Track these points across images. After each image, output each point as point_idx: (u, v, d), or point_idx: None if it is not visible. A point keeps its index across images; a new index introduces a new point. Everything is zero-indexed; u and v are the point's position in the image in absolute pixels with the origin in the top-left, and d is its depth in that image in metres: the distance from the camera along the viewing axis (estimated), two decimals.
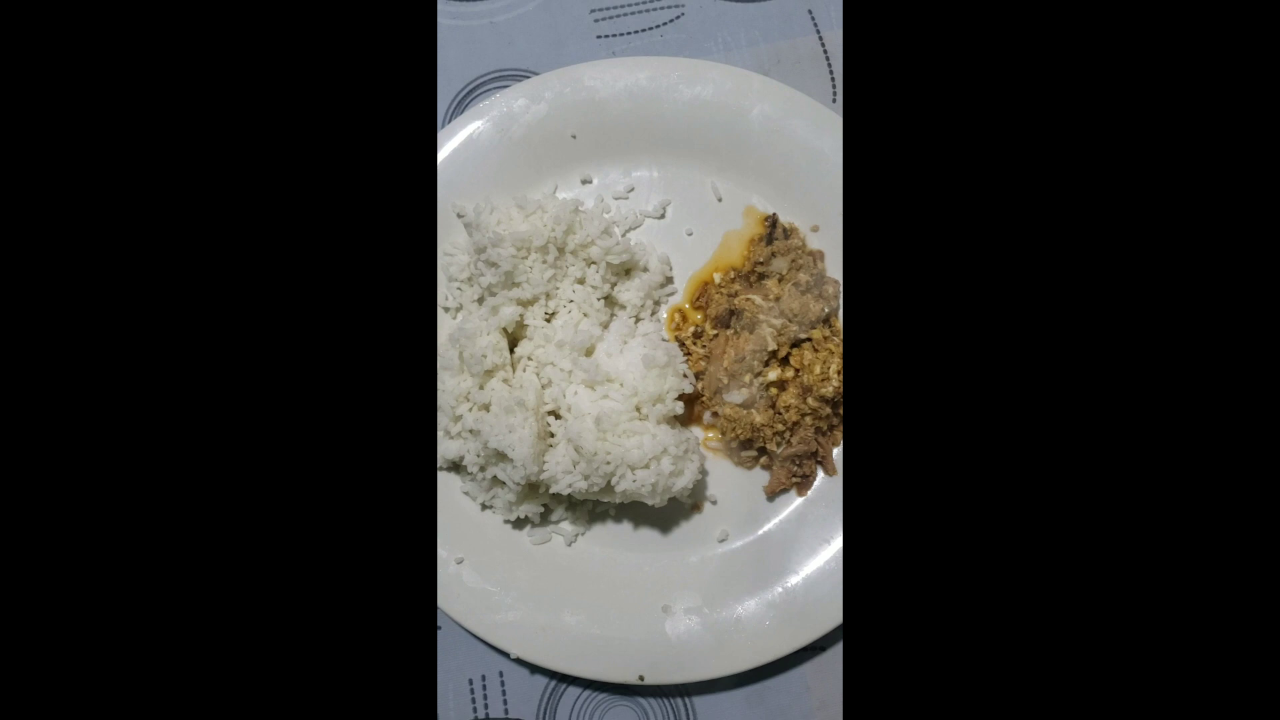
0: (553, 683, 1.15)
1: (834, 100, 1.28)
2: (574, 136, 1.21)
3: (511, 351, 1.12)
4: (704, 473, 1.14)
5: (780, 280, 1.15)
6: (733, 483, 1.16)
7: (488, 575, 1.12)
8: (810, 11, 1.31)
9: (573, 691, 1.15)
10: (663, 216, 1.22)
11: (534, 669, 1.14)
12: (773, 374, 1.09)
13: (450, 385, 1.09)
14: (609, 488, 1.05)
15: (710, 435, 1.17)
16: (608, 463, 1.02)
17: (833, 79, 1.29)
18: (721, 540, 1.14)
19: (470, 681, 1.16)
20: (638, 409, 1.06)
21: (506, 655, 1.12)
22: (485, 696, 1.15)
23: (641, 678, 1.07)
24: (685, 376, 1.10)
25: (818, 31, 1.30)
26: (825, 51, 1.29)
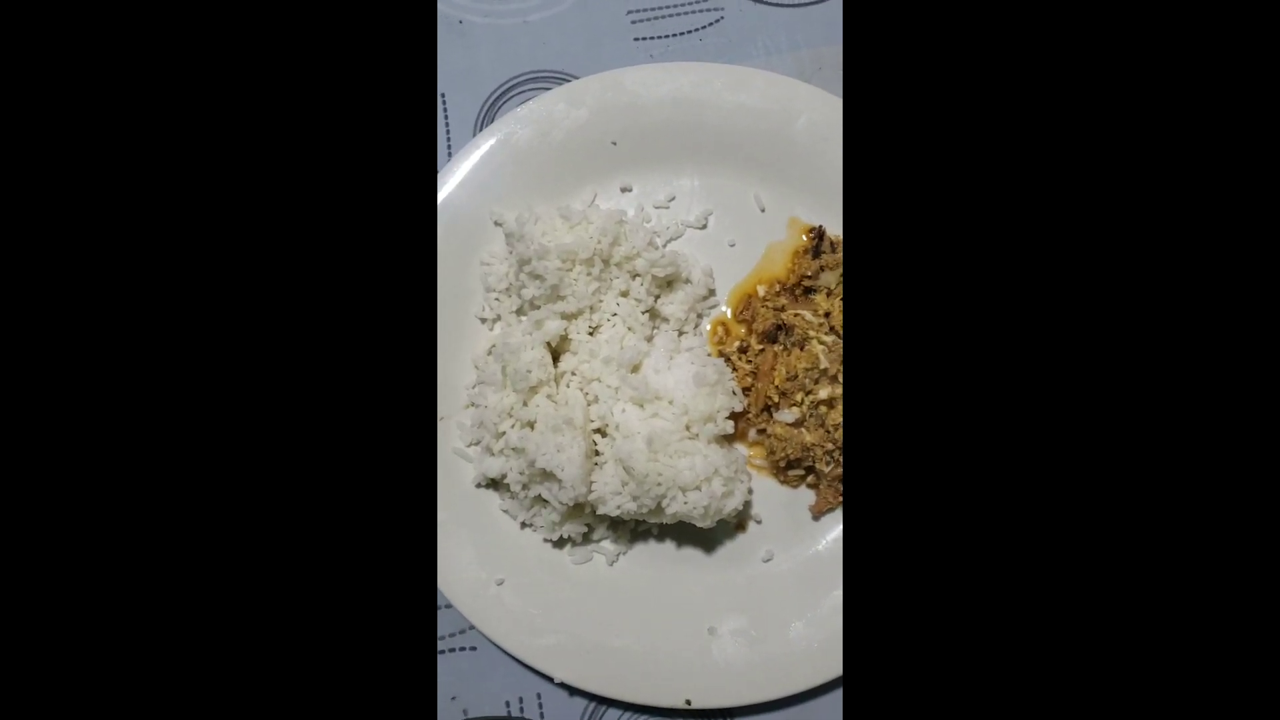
0: (592, 704, 1.12)
1: None
2: (615, 143, 1.17)
3: (554, 365, 1.09)
4: (750, 492, 1.12)
5: (829, 295, 1.12)
6: (776, 501, 1.14)
7: (528, 597, 1.09)
8: None
9: (613, 713, 1.12)
10: (704, 227, 1.19)
11: (573, 691, 1.12)
12: (824, 392, 1.07)
13: (494, 401, 1.06)
14: (659, 509, 1.02)
15: (754, 453, 1.14)
16: (659, 484, 1.00)
17: None
18: (766, 560, 1.12)
19: (507, 704, 1.13)
20: (688, 428, 1.03)
21: (548, 678, 1.09)
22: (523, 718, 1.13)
23: (689, 702, 1.05)
24: (735, 394, 1.07)
25: None
26: None
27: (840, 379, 1.09)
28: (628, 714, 1.12)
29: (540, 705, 1.13)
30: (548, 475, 1.02)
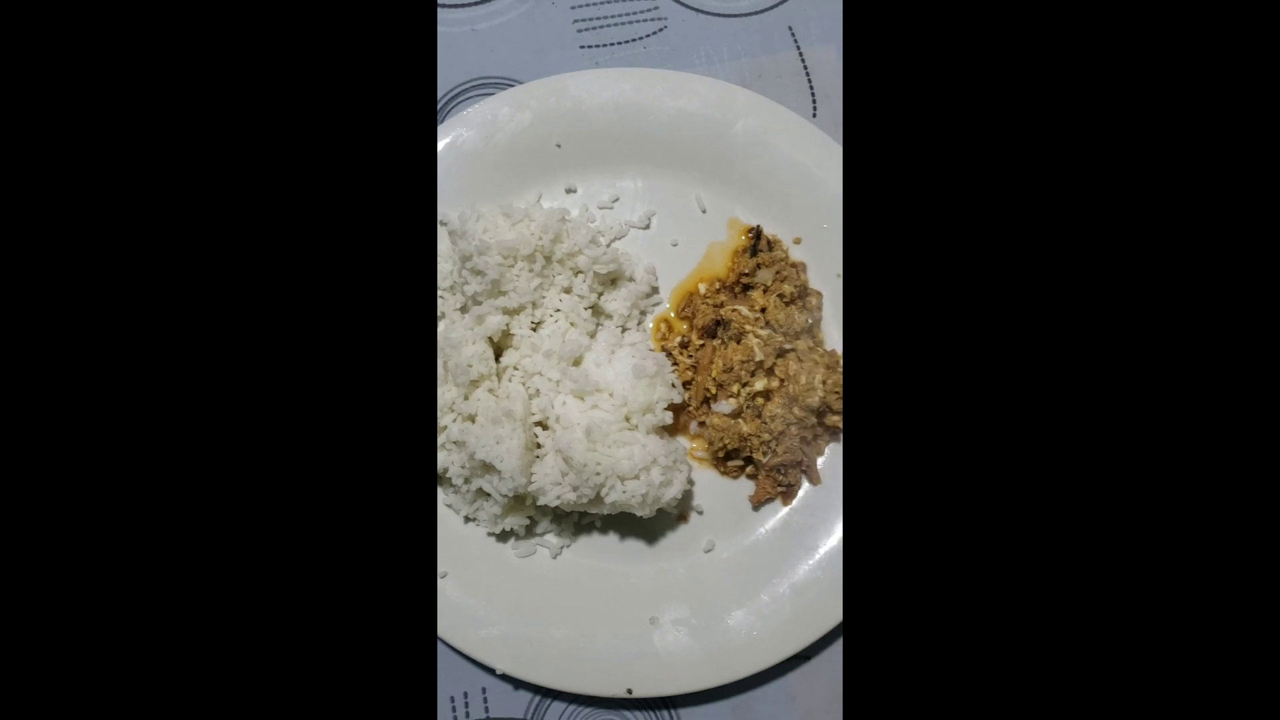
0: (537, 698, 1.13)
1: (814, 115, 1.30)
2: (559, 146, 1.21)
3: (497, 361, 1.11)
4: (691, 483, 1.14)
5: (765, 291, 1.16)
6: (718, 492, 1.16)
7: (472, 590, 1.10)
8: (790, 28, 1.33)
9: (558, 706, 1.13)
10: (648, 227, 1.22)
11: (519, 684, 1.12)
12: (760, 384, 1.10)
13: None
14: (598, 499, 1.04)
15: (695, 445, 1.17)
16: (598, 474, 1.01)
17: (813, 94, 1.31)
18: (708, 550, 1.14)
19: (452, 699, 1.13)
20: (627, 419, 1.05)
21: (491, 671, 1.10)
22: (468, 713, 1.13)
23: (630, 691, 1.07)
24: (674, 386, 1.10)
25: (798, 47, 1.32)
26: (805, 67, 1.32)
27: (776, 371, 1.12)
28: (572, 707, 1.13)
29: (485, 701, 1.13)
30: (488, 467, 1.03)
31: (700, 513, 1.15)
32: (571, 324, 1.12)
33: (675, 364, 1.16)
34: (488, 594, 1.10)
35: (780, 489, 1.14)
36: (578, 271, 1.13)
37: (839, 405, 1.11)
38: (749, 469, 1.15)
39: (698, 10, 1.33)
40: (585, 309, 1.13)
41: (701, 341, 1.17)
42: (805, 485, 1.15)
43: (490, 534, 1.13)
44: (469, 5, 1.32)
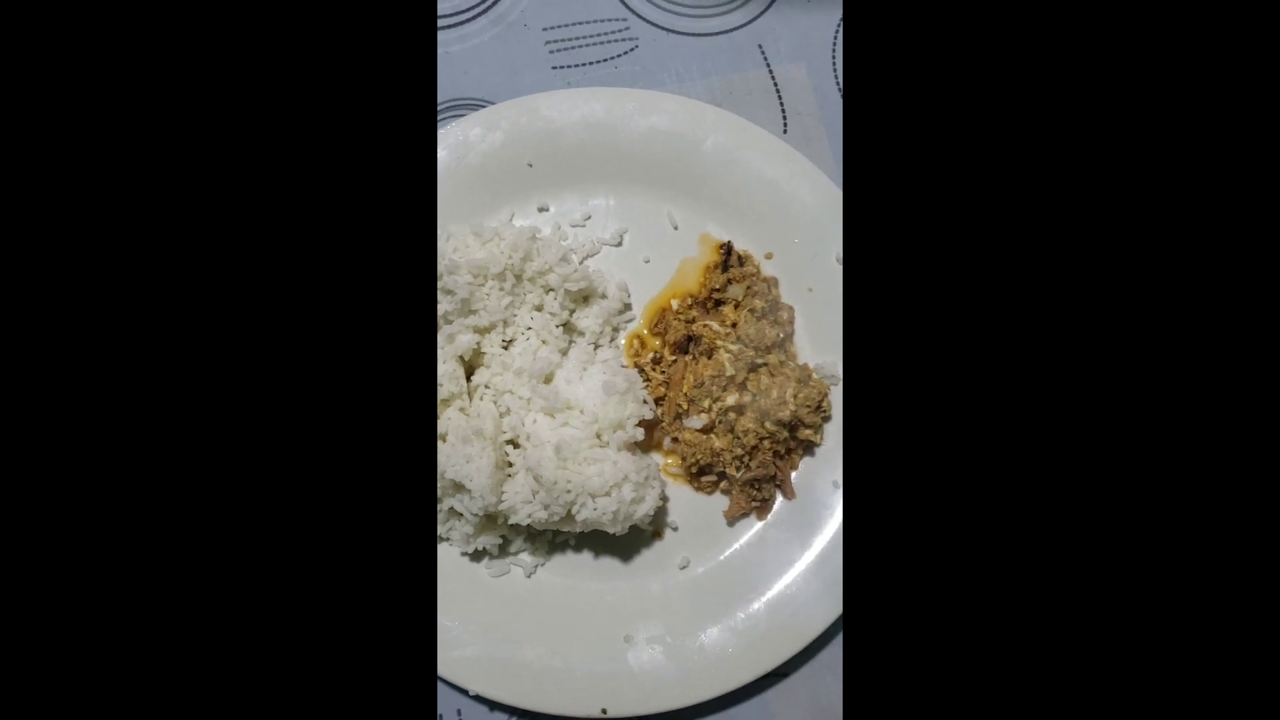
0: (512, 718, 1.12)
1: (784, 131, 1.31)
2: (530, 165, 1.21)
3: (468, 380, 1.11)
4: (664, 499, 1.14)
5: (736, 306, 1.16)
6: (692, 508, 1.16)
7: (445, 610, 1.09)
8: (760, 46, 1.34)
9: None
10: (620, 244, 1.23)
11: (493, 705, 1.11)
12: (731, 399, 1.10)
13: None
14: (569, 517, 1.04)
15: (669, 461, 1.17)
16: (568, 491, 1.01)
17: (783, 111, 1.32)
18: (683, 567, 1.13)
19: None
20: (598, 436, 1.05)
21: (465, 692, 1.09)
22: None
23: (604, 711, 1.06)
24: (645, 402, 1.10)
25: (768, 65, 1.34)
26: (775, 84, 1.33)
27: (747, 386, 1.12)
28: None
29: None
30: (458, 486, 1.03)
31: (675, 529, 1.15)
32: (543, 341, 1.13)
33: (648, 380, 1.16)
34: (461, 614, 1.09)
35: (754, 504, 1.13)
36: (549, 289, 1.14)
37: (811, 419, 1.11)
38: (723, 484, 1.15)
39: (668, 30, 1.34)
40: (557, 326, 1.14)
41: (674, 357, 1.17)
42: (779, 500, 1.15)
43: (463, 553, 1.12)
44: (442, 29, 1.33)
